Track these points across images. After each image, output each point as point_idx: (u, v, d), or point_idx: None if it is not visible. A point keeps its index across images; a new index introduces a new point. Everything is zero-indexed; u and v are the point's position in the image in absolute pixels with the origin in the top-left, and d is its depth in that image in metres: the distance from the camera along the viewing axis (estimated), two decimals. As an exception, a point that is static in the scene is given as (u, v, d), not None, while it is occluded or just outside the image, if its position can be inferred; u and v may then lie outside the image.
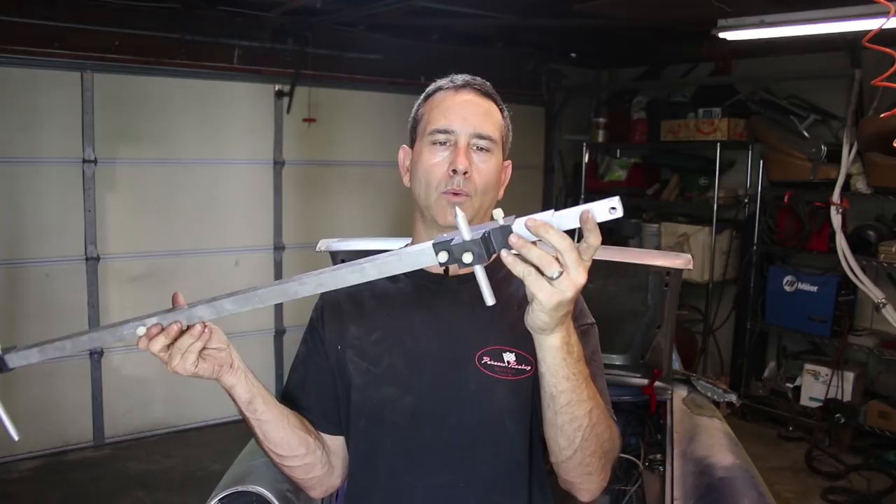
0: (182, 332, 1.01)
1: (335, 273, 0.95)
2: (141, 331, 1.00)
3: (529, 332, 0.94)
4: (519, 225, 0.86)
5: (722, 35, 3.52)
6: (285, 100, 4.42)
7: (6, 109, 3.66)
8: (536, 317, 0.90)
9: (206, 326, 1.04)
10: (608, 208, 0.82)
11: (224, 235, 4.37)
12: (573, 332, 0.97)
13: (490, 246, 0.86)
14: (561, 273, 0.85)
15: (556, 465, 1.13)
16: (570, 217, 0.85)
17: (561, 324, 0.92)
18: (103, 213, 3.97)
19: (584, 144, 5.52)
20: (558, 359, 0.96)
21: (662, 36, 4.52)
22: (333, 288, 0.96)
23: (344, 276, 0.94)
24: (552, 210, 0.86)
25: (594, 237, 0.84)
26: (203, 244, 4.29)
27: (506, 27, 4.45)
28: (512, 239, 0.85)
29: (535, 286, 0.86)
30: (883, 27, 1.93)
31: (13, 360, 1.03)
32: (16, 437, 1.05)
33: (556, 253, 0.85)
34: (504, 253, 0.86)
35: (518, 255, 0.86)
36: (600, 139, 5.51)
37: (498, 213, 0.88)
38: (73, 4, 3.69)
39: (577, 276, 0.85)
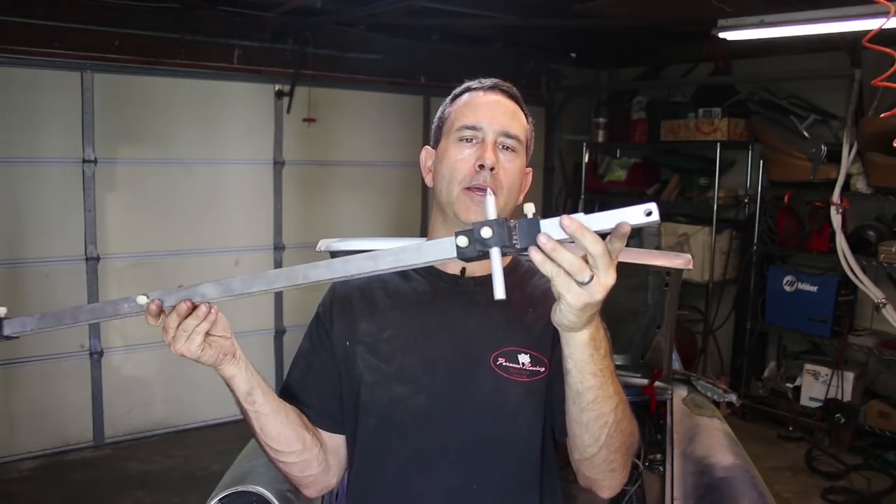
0: (190, 311, 1.01)
1: (348, 260, 0.94)
2: (142, 300, 1.00)
3: (544, 334, 0.94)
4: (548, 224, 0.84)
5: (722, 35, 3.52)
6: (285, 100, 4.42)
7: (6, 109, 3.66)
8: (564, 316, 0.89)
9: (211, 308, 1.03)
10: (644, 212, 0.81)
11: (224, 235, 4.37)
12: (601, 327, 0.96)
13: (513, 233, 0.85)
14: (592, 277, 0.84)
15: (578, 463, 1.12)
16: (604, 221, 0.83)
17: (590, 321, 0.92)
18: (103, 213, 3.97)
19: (584, 144, 5.52)
20: (585, 355, 0.95)
21: (662, 36, 4.52)
22: (345, 275, 0.95)
23: (358, 263, 0.93)
24: (581, 213, 0.85)
25: (620, 243, 0.84)
26: (203, 244, 4.29)
27: (506, 27, 4.45)
28: (542, 240, 0.83)
29: (564, 287, 0.85)
30: (883, 27, 1.93)
31: (9, 326, 1.04)
32: None
33: (586, 254, 0.84)
34: (533, 251, 0.84)
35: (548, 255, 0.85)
36: (600, 139, 5.51)
37: (529, 208, 0.86)
38: (73, 4, 3.69)
39: (606, 279, 0.85)
